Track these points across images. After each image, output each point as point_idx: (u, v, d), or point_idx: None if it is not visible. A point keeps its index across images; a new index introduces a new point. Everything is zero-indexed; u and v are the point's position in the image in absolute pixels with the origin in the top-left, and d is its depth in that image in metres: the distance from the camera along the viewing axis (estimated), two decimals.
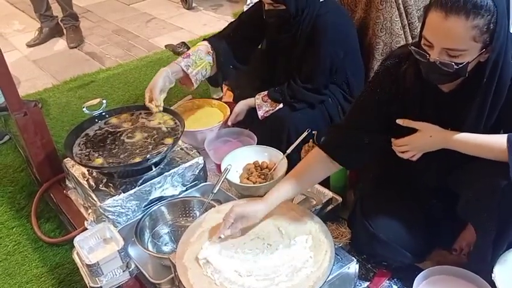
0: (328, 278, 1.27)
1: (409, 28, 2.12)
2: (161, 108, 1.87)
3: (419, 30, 1.27)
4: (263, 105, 1.98)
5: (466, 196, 1.28)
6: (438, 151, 1.31)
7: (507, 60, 1.16)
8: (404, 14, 2.07)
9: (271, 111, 1.96)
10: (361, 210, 1.49)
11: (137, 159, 1.67)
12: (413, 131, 1.33)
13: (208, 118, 2.22)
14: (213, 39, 2.05)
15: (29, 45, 3.61)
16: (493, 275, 1.30)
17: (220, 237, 1.35)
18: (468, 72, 1.16)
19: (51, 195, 1.97)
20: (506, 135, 1.19)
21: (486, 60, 1.16)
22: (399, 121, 1.33)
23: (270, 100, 1.98)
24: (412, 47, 1.19)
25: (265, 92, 1.99)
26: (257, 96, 2.01)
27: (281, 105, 1.95)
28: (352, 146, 1.40)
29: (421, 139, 1.31)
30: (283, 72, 2.03)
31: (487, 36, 1.10)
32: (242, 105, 2.07)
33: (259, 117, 1.98)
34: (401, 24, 2.08)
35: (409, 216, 1.44)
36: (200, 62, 1.96)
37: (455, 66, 1.12)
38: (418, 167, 1.38)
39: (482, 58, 1.16)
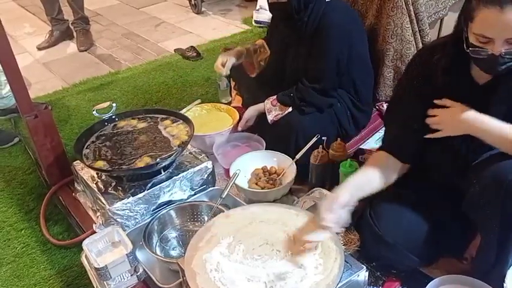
0: (338, 286, 1.25)
1: (420, 35, 2.12)
2: (228, 72, 2.15)
3: (454, 32, 1.28)
4: (272, 109, 1.98)
5: (471, 192, 1.28)
6: (457, 146, 1.32)
7: None
8: (415, 21, 2.07)
9: (280, 115, 1.96)
10: (369, 213, 1.48)
11: (145, 162, 1.67)
12: None
13: (217, 122, 2.22)
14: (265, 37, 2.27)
15: (40, 48, 3.63)
16: (505, 285, 1.28)
17: None
18: None
19: (60, 197, 1.98)
20: None
21: None
22: (437, 101, 1.32)
23: (279, 104, 1.97)
24: (470, 49, 1.18)
25: (274, 97, 1.99)
26: (266, 101, 2.01)
27: (290, 109, 1.94)
28: (405, 137, 1.42)
29: (453, 114, 1.29)
30: (291, 74, 2.02)
31: None
32: (252, 110, 2.07)
33: (269, 121, 1.98)
34: (412, 30, 2.07)
35: (417, 220, 1.43)
36: (264, 50, 2.22)
37: None
38: (434, 161, 1.39)
39: None
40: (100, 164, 1.69)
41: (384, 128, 2.12)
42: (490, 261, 1.31)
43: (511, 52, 1.14)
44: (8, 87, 2.55)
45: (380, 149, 1.49)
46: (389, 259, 1.48)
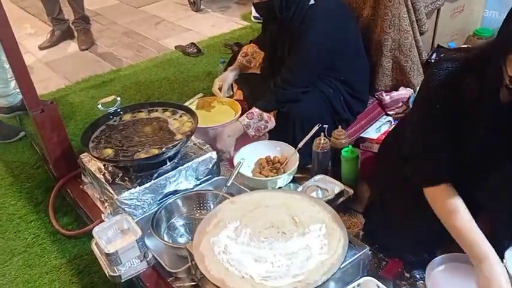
0: (342, 265, 1.29)
1: (417, 24, 2.15)
2: (226, 94, 2.23)
3: (483, 55, 1.22)
4: (251, 123, 1.96)
5: (490, 184, 1.27)
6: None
7: None
8: (412, 10, 2.10)
9: (263, 128, 1.96)
10: (382, 205, 1.50)
11: (152, 152, 1.71)
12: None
13: (219, 115, 2.25)
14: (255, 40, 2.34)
15: (41, 48, 3.67)
16: (504, 261, 1.32)
17: None
18: None
19: (68, 190, 2.01)
20: None
21: None
22: None
23: (257, 114, 1.95)
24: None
25: (251, 110, 1.99)
26: (241, 119, 1.98)
27: (273, 123, 1.96)
28: (444, 161, 1.32)
29: None
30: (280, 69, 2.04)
31: None
32: (230, 134, 2.00)
33: (251, 136, 1.97)
34: (410, 20, 2.11)
35: (428, 214, 1.37)
36: (257, 55, 2.27)
37: None
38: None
39: None
40: (108, 151, 1.73)
41: (383, 118, 2.19)
42: (504, 248, 1.33)
43: None
44: (12, 85, 2.59)
45: (430, 185, 1.33)
46: (398, 252, 1.52)
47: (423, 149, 1.34)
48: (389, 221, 1.45)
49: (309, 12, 1.86)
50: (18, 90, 2.67)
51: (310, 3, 1.87)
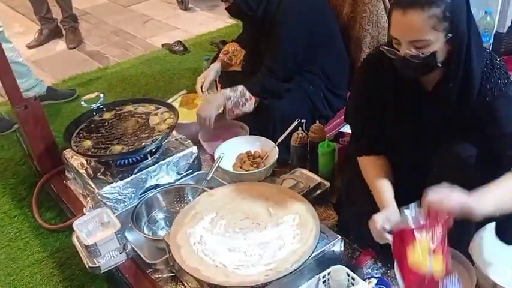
0: (313, 254, 1.34)
1: None
2: (209, 91, 2.25)
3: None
4: (232, 95, 1.97)
5: (432, 174, 1.33)
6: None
7: (474, 49, 1.20)
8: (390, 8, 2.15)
9: (241, 103, 1.97)
10: (347, 196, 1.55)
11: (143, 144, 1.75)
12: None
13: None
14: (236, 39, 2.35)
15: (29, 47, 3.69)
16: (469, 248, 1.37)
17: None
18: (442, 63, 1.21)
19: (52, 185, 2.04)
20: None
21: (452, 49, 1.21)
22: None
23: (240, 89, 1.97)
24: (384, 47, 1.25)
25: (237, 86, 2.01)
26: (225, 89, 2.00)
27: (252, 105, 1.98)
28: (376, 135, 1.43)
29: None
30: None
31: (447, 24, 1.16)
32: (212, 108, 2.00)
33: (227, 112, 1.98)
34: (388, 17, 2.15)
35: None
36: (238, 53, 2.30)
37: (422, 56, 1.18)
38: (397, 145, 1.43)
39: (450, 47, 1.21)
40: (87, 143, 1.77)
41: None
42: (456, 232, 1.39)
43: (414, 56, 1.18)
44: (33, 75, 2.65)
45: (360, 154, 1.47)
46: (369, 240, 1.56)
47: (354, 127, 1.56)
48: (356, 212, 1.49)
49: (281, 5, 1.89)
50: (41, 78, 2.76)
51: None
